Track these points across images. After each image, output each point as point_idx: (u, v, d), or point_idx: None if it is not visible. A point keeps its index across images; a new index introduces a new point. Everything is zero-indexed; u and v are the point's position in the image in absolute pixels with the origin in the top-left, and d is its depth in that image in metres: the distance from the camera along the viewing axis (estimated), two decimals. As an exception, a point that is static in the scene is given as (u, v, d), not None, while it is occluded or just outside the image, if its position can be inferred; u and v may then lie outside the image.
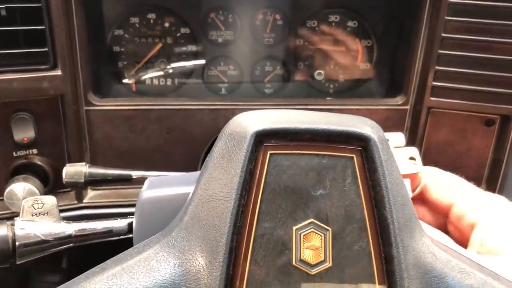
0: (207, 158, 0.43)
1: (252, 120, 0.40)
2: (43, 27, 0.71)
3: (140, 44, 0.89)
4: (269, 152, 0.39)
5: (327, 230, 0.38)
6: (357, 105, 0.84)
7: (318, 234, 0.38)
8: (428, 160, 0.84)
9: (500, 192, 0.83)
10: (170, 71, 0.90)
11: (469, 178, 0.85)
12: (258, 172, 0.38)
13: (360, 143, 0.39)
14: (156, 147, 0.83)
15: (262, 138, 0.39)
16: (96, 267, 0.39)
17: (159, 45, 0.90)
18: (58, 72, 0.74)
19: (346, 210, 0.38)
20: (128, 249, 0.40)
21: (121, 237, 0.55)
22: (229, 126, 0.41)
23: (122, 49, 0.89)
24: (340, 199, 0.38)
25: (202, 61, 0.92)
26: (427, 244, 0.40)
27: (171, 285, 0.36)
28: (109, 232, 0.55)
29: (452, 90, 0.79)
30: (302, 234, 0.37)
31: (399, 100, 0.84)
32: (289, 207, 0.38)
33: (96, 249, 0.90)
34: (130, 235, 0.56)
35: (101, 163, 0.81)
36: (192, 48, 0.91)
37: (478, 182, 0.86)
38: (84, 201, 0.82)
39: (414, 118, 0.84)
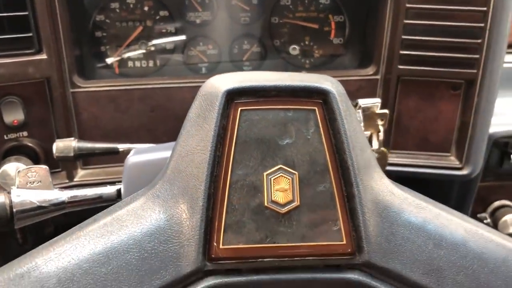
0: (185, 118, 0.47)
1: (224, 81, 0.44)
2: (27, 13, 0.74)
3: (121, 28, 0.92)
4: (239, 109, 0.43)
5: (294, 174, 0.42)
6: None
7: (286, 178, 0.42)
8: (400, 125, 0.89)
9: (469, 152, 0.88)
10: (152, 48, 0.93)
11: (439, 141, 0.91)
12: (230, 127, 0.42)
13: (321, 97, 0.44)
14: (141, 125, 0.87)
15: (233, 96, 0.43)
16: (88, 219, 0.43)
17: (140, 28, 0.93)
18: (44, 56, 0.77)
19: (311, 156, 0.43)
20: (117, 202, 0.45)
21: (111, 202, 0.59)
22: (203, 87, 0.45)
23: (104, 34, 0.92)
24: (304, 146, 0.43)
25: (183, 37, 0.95)
26: (386, 183, 0.45)
27: (157, 229, 0.41)
28: (99, 198, 0.59)
29: (419, 58, 0.84)
30: (272, 179, 0.42)
31: (370, 70, 0.89)
32: (260, 156, 0.42)
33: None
34: (119, 200, 0.60)
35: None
36: (171, 29, 0.95)
37: (448, 145, 0.91)
38: (75, 179, 0.86)
39: (385, 87, 0.88)
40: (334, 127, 0.43)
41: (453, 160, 0.91)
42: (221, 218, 0.41)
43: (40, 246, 0.41)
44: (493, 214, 1.12)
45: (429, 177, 0.92)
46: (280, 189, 0.42)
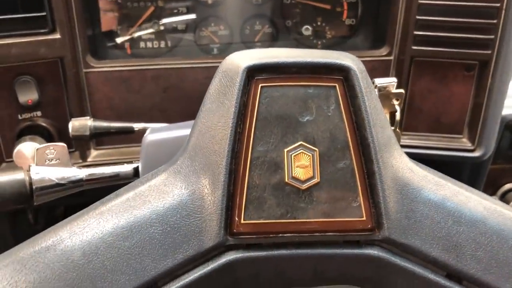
0: (205, 96, 0.47)
1: (244, 58, 0.44)
2: (40, -8, 0.74)
3: (132, 9, 0.92)
4: (260, 85, 0.43)
5: (315, 150, 0.42)
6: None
7: (307, 155, 0.42)
8: (412, 107, 0.89)
9: (481, 134, 0.88)
10: (161, 27, 0.93)
11: (452, 122, 0.91)
12: (251, 103, 0.43)
13: (342, 73, 0.44)
14: (153, 105, 0.87)
15: (253, 73, 0.43)
16: (111, 194, 0.44)
17: (151, 9, 0.93)
18: (57, 36, 0.77)
19: (331, 133, 0.43)
20: (138, 179, 0.45)
21: (128, 180, 0.60)
22: (223, 64, 0.45)
23: (116, 14, 0.92)
24: (325, 123, 0.43)
25: (193, 15, 0.94)
26: (405, 161, 0.45)
27: (180, 204, 0.41)
28: (117, 176, 0.60)
29: (433, 39, 0.83)
30: (292, 155, 0.42)
31: (383, 51, 0.89)
32: (280, 132, 0.42)
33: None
34: (136, 178, 0.60)
35: (102, 121, 0.85)
36: (183, 9, 0.94)
37: (460, 127, 0.91)
38: (89, 159, 0.87)
39: (398, 68, 0.88)
40: (354, 104, 0.43)
41: (465, 142, 0.91)
42: (242, 193, 0.41)
43: (63, 221, 0.42)
44: (503, 197, 1.12)
45: (441, 158, 0.92)
46: (301, 165, 0.42)
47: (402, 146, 0.89)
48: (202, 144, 0.43)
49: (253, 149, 0.42)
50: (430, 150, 0.92)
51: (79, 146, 0.86)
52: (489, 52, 0.82)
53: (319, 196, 0.42)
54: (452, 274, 0.42)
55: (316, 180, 0.42)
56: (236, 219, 0.41)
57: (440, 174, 0.47)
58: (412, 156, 0.88)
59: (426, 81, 0.88)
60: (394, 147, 0.45)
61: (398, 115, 0.64)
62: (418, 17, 0.82)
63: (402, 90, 0.63)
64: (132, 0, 0.92)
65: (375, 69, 0.89)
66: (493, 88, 0.84)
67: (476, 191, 0.47)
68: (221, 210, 0.41)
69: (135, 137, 0.74)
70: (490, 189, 1.12)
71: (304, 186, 0.42)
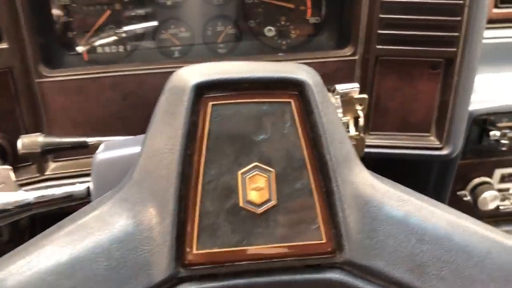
0: (152, 115, 0.44)
1: (192, 74, 0.41)
2: (-18, -1, 0.69)
3: (88, 12, 0.88)
4: (210, 103, 0.40)
5: (271, 171, 0.40)
6: (308, 59, 0.86)
7: (262, 176, 0.40)
8: (378, 106, 0.87)
9: (449, 132, 0.87)
10: (123, 35, 0.89)
11: (419, 121, 0.90)
12: (201, 123, 0.40)
13: (296, 88, 0.41)
14: (113, 114, 0.84)
15: (203, 90, 0.40)
16: (53, 226, 0.40)
17: (108, 12, 0.89)
18: (4, 45, 0.73)
19: (287, 152, 0.40)
20: (83, 208, 0.42)
21: (81, 201, 0.57)
22: (170, 81, 0.42)
23: (70, 19, 0.88)
24: (281, 142, 0.41)
25: (155, 23, 0.91)
26: (366, 177, 0.43)
27: (126, 236, 0.38)
28: (69, 197, 0.56)
29: (398, 37, 0.82)
30: (247, 177, 0.40)
31: (348, 51, 0.87)
32: (233, 153, 0.40)
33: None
34: (89, 198, 0.57)
35: (60, 134, 0.81)
36: (141, 12, 0.90)
37: (427, 125, 0.90)
38: (46, 173, 0.83)
39: (363, 68, 0.86)
40: (311, 120, 0.41)
41: (433, 140, 0.90)
42: (194, 221, 0.39)
43: (2, 257, 0.39)
44: (473, 191, 1.12)
45: (409, 158, 0.91)
46: (256, 188, 0.40)
47: (369, 147, 0.88)
48: (149, 169, 0.40)
49: (205, 173, 0.39)
50: (398, 149, 0.91)
51: (35, 160, 0.82)
52: (454, 49, 0.81)
53: (276, 219, 0.40)
54: (417, 295, 0.41)
55: (272, 202, 0.40)
56: (188, 249, 0.38)
57: (403, 187, 0.45)
58: (379, 156, 0.87)
59: (392, 80, 0.86)
60: (353, 162, 0.43)
61: (361, 121, 0.62)
62: (381, 15, 0.80)
63: (365, 95, 0.61)
64: (87, 4, 0.87)
65: (340, 69, 0.87)
66: (459, 85, 0.83)
67: (441, 204, 0.45)
68: (171, 241, 0.38)
69: (93, 149, 0.70)
70: (459, 184, 1.12)
71: (260, 210, 0.40)
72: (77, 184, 0.57)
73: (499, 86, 1.06)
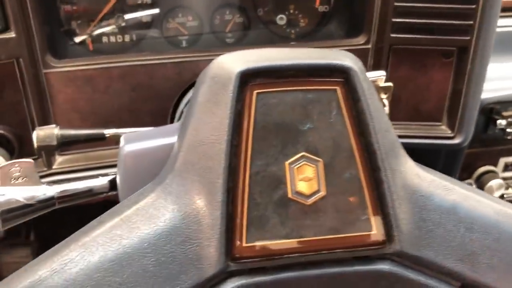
0: (190, 104, 0.43)
1: (235, 61, 0.40)
2: (-11, -13, 0.66)
3: (93, 1, 0.85)
4: (255, 92, 0.39)
5: (318, 161, 0.39)
6: (320, 48, 0.85)
7: (310, 166, 0.39)
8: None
9: (461, 121, 0.87)
10: (128, 23, 0.87)
11: (431, 110, 0.89)
12: (246, 112, 0.38)
13: (342, 75, 0.40)
14: (122, 105, 0.81)
15: (247, 78, 0.39)
16: (92, 221, 0.39)
17: (114, 0, 0.86)
18: (12, 35, 0.70)
19: (334, 141, 0.39)
20: (122, 201, 0.40)
21: (104, 194, 0.55)
22: (210, 69, 0.40)
23: (75, 8, 0.85)
24: (327, 131, 0.39)
25: (156, 10, 0.88)
26: (412, 166, 0.42)
27: (173, 229, 0.37)
28: (91, 191, 0.54)
29: (412, 26, 0.81)
30: (295, 168, 0.38)
31: (360, 39, 0.85)
32: (280, 143, 0.38)
33: (62, 220, 0.89)
34: (114, 192, 0.55)
35: (67, 126, 0.78)
36: (147, 0, 0.88)
37: (439, 114, 0.89)
38: (54, 167, 0.80)
39: (376, 57, 0.85)
40: (357, 108, 0.40)
41: (444, 129, 0.90)
42: (243, 213, 0.37)
43: (40, 256, 0.37)
44: (478, 180, 1.12)
45: (420, 147, 0.91)
46: (304, 178, 0.38)
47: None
48: (194, 160, 0.39)
49: (252, 163, 0.38)
50: (410, 139, 0.90)
51: (42, 153, 0.79)
52: (468, 38, 0.80)
53: (325, 211, 0.38)
54: (468, 285, 0.40)
55: (322, 193, 0.38)
56: (238, 242, 0.37)
57: (446, 176, 0.45)
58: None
59: (405, 70, 0.86)
60: (399, 151, 0.42)
61: (387, 109, 0.61)
62: (396, 3, 0.79)
63: (391, 84, 0.61)
64: (91, -8, 0.85)
65: (353, 59, 0.85)
66: (473, 74, 0.83)
67: (484, 193, 0.45)
68: (220, 234, 0.37)
69: (107, 141, 0.68)
70: (465, 172, 1.13)
71: (309, 201, 0.38)
72: (100, 178, 0.55)
73: (504, 75, 1.07)
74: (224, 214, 0.37)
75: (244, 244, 0.37)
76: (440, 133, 0.90)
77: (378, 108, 0.41)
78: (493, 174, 1.11)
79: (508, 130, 1.04)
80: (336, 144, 0.39)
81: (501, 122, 1.03)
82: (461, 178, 1.12)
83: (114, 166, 0.82)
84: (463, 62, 0.83)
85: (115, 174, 0.55)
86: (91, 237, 0.37)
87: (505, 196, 1.15)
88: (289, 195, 0.38)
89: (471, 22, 0.79)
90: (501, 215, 0.42)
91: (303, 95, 0.39)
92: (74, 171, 0.82)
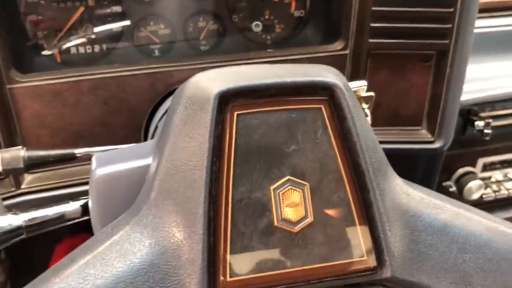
0: (164, 125, 0.40)
1: (213, 81, 0.37)
2: None
3: (59, 10, 0.81)
4: (235, 113, 0.36)
5: (305, 185, 0.37)
6: (297, 55, 0.83)
7: (297, 191, 0.36)
8: (371, 102, 0.85)
9: (441, 125, 0.86)
10: (93, 36, 0.83)
11: (411, 115, 0.88)
12: (227, 135, 0.36)
13: (326, 92, 0.38)
14: (93, 120, 0.78)
15: (227, 99, 0.36)
16: (63, 259, 0.36)
17: (81, 9, 0.82)
18: (-29, 49, 0.66)
19: (321, 163, 0.37)
20: (95, 235, 0.37)
21: (76, 220, 0.51)
22: (186, 89, 0.38)
23: (39, 17, 0.81)
24: (313, 152, 0.37)
25: (127, 22, 0.85)
26: (400, 184, 0.40)
27: (150, 266, 0.34)
28: (62, 217, 0.51)
29: (390, 30, 0.79)
30: (280, 193, 0.36)
31: (338, 45, 0.84)
32: (264, 167, 0.36)
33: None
34: (86, 218, 0.52)
35: (35, 145, 0.75)
36: (117, 9, 0.84)
37: (419, 118, 0.88)
38: (23, 186, 0.76)
39: (354, 62, 0.84)
40: (344, 127, 0.38)
41: (425, 134, 0.89)
42: (226, 245, 0.35)
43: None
44: (458, 181, 1.12)
45: (400, 152, 0.90)
46: (291, 204, 0.36)
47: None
48: (171, 189, 0.36)
49: (234, 190, 0.36)
50: (390, 144, 0.89)
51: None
52: (447, 41, 0.80)
53: (313, 238, 0.36)
54: (463, 308, 0.38)
55: (309, 220, 0.36)
56: (221, 277, 0.35)
57: (434, 192, 0.43)
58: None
59: (384, 75, 0.84)
60: (387, 169, 0.40)
61: (369, 120, 0.59)
62: (374, 8, 0.78)
63: (372, 94, 0.59)
64: (58, 1, 0.81)
65: (331, 65, 0.83)
66: (452, 78, 0.82)
67: (473, 208, 0.43)
68: (202, 269, 0.34)
69: (81, 159, 0.65)
70: (444, 174, 1.12)
71: (297, 228, 0.36)
72: (71, 202, 0.52)
73: (480, 76, 1.07)
74: (206, 247, 0.34)
75: (228, 279, 0.35)
76: (420, 138, 0.89)
77: (364, 126, 0.39)
78: (472, 175, 1.11)
79: (486, 131, 1.04)
80: (323, 166, 0.37)
81: (479, 124, 1.03)
82: (441, 180, 1.11)
83: (86, 183, 0.79)
84: (442, 66, 0.82)
85: (87, 198, 0.51)
86: (61, 277, 0.34)
87: (484, 196, 1.15)
88: (275, 223, 0.36)
89: (450, 26, 0.78)
90: (493, 232, 0.40)
91: (286, 115, 0.37)
92: (45, 190, 0.78)
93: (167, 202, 0.36)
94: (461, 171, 1.11)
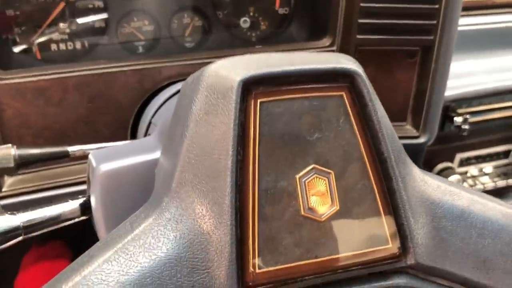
0: (176, 116, 0.39)
1: (234, 68, 0.36)
2: None
3: (39, 5, 0.78)
4: (259, 101, 0.35)
5: (330, 173, 0.36)
6: (284, 51, 0.82)
7: (322, 179, 0.36)
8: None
9: (425, 120, 0.88)
10: (74, 30, 0.80)
11: (396, 111, 0.90)
12: (251, 124, 0.35)
13: (347, 79, 0.38)
14: (78, 119, 0.75)
15: (250, 86, 0.35)
16: (81, 256, 0.34)
17: (62, 5, 0.79)
18: (-50, 44, 0.62)
19: (344, 150, 0.37)
20: (112, 232, 0.36)
21: (76, 220, 0.49)
22: (206, 77, 0.37)
23: (17, 12, 0.77)
24: (336, 140, 0.37)
25: (104, 15, 0.82)
26: (418, 173, 0.40)
27: (177, 260, 0.33)
28: (60, 217, 0.49)
29: (377, 27, 0.80)
30: (306, 182, 0.35)
31: (325, 42, 0.84)
32: (289, 156, 0.35)
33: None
34: (85, 217, 0.50)
35: (18, 144, 0.71)
36: (99, 4, 0.82)
37: (404, 114, 0.90)
38: (4, 189, 0.72)
39: (342, 58, 0.84)
40: (366, 114, 0.38)
41: (409, 129, 0.90)
42: (254, 236, 0.34)
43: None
44: (437, 176, 1.14)
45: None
46: (317, 192, 0.35)
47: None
48: (194, 180, 0.35)
49: (260, 179, 0.35)
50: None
51: (-11, 174, 0.71)
52: (432, 37, 0.81)
53: (340, 226, 0.36)
54: (484, 293, 0.39)
55: (335, 208, 0.36)
56: (250, 268, 0.33)
57: (446, 180, 0.43)
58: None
59: (370, 71, 0.85)
60: (406, 158, 0.40)
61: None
62: (362, 4, 0.78)
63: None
64: (37, -5, 0.78)
65: (319, 61, 0.84)
66: (437, 73, 0.84)
67: (487, 195, 0.44)
68: (230, 261, 0.33)
69: (75, 157, 0.62)
70: (424, 170, 1.14)
71: (324, 217, 0.35)
72: (69, 201, 0.50)
73: (458, 73, 1.10)
74: (234, 239, 0.33)
75: (258, 270, 0.34)
76: (405, 133, 0.90)
77: (383, 113, 0.39)
78: (450, 171, 1.14)
79: (464, 126, 1.06)
80: (347, 154, 0.37)
81: (457, 119, 1.06)
82: (421, 176, 1.13)
83: (70, 185, 0.76)
84: (427, 61, 0.84)
85: (85, 197, 0.49)
86: (83, 275, 0.32)
87: (462, 191, 1.17)
88: (302, 212, 0.35)
89: (435, 22, 0.80)
90: (508, 217, 0.41)
91: (308, 102, 0.36)
92: (27, 193, 0.74)
93: (191, 193, 0.34)
94: (440, 166, 1.14)
